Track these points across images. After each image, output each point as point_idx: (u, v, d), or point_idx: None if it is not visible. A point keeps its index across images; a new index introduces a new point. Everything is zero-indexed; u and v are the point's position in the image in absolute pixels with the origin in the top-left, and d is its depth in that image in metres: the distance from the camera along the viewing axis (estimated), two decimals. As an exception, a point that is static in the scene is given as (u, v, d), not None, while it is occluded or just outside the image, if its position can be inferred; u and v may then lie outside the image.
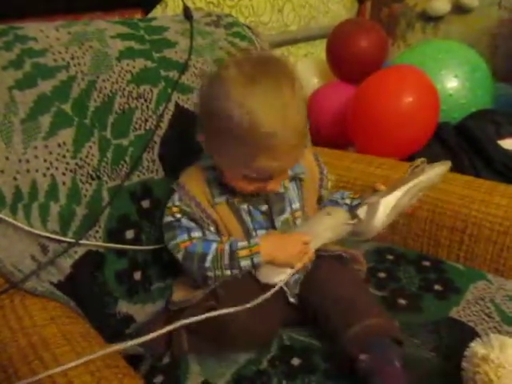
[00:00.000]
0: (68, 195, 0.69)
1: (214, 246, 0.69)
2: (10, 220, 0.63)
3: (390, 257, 0.90)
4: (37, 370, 0.50)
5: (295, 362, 0.66)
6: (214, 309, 0.67)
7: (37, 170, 0.66)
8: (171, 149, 0.82)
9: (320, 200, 0.83)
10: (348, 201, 0.82)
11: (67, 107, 0.70)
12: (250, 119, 0.61)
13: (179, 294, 0.74)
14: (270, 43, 1.48)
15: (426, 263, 0.87)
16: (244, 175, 0.67)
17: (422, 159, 0.79)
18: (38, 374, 0.49)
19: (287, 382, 0.62)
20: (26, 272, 0.64)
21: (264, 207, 0.73)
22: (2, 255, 0.61)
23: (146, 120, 0.79)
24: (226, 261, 0.68)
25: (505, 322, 0.71)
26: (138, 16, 1.10)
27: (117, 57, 0.77)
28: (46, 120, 0.68)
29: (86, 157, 0.71)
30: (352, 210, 0.77)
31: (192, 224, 0.71)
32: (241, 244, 0.69)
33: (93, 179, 0.72)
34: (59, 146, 0.69)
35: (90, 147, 0.72)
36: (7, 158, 0.64)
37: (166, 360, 0.70)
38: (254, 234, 0.73)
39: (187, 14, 0.93)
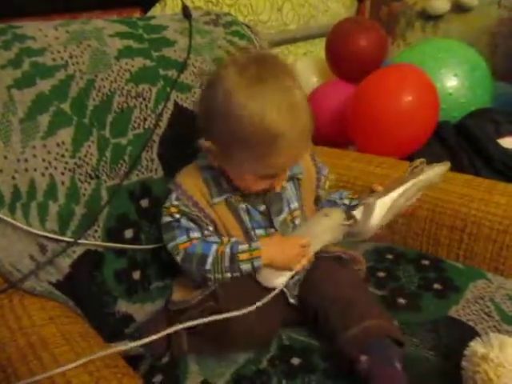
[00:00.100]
0: (67, 194, 0.69)
1: (214, 247, 0.69)
2: (9, 219, 0.63)
3: (390, 256, 0.90)
4: (35, 369, 0.50)
5: (295, 361, 0.65)
6: (214, 310, 0.67)
7: (35, 170, 0.66)
8: (170, 148, 0.82)
9: (317, 200, 0.83)
10: (346, 201, 0.82)
11: (66, 106, 0.70)
12: (261, 120, 0.61)
13: (179, 294, 0.74)
14: (269, 42, 1.47)
15: (426, 262, 0.87)
16: (253, 174, 0.67)
17: (422, 160, 0.78)
18: (37, 373, 0.49)
19: (287, 382, 0.62)
20: (25, 272, 0.64)
21: (262, 207, 0.73)
22: (1, 255, 0.61)
23: (145, 119, 0.79)
24: (227, 263, 0.68)
25: (504, 321, 0.70)
26: (137, 15, 1.10)
27: (115, 56, 0.77)
28: (44, 119, 0.68)
29: (85, 156, 0.71)
30: (349, 210, 0.77)
31: (191, 224, 0.71)
32: (242, 247, 0.69)
33: (92, 178, 0.72)
34: (58, 145, 0.69)
35: (89, 146, 0.72)
36: (6, 158, 0.64)
37: (165, 359, 0.70)
38: (252, 233, 0.73)
39: (186, 12, 0.93)
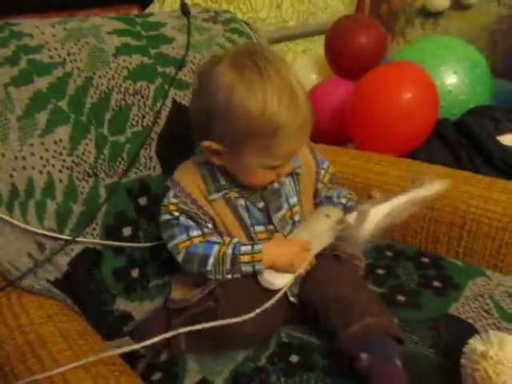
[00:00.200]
0: (64, 192, 0.69)
1: (215, 248, 0.69)
2: (7, 218, 0.63)
3: (389, 253, 0.90)
4: (33, 368, 0.50)
5: (294, 359, 0.65)
6: (214, 310, 0.67)
7: (33, 168, 0.66)
8: (169, 145, 0.82)
9: (316, 194, 0.83)
10: (344, 200, 0.82)
11: (63, 104, 0.70)
12: (263, 112, 0.61)
13: (178, 292, 0.74)
14: (269, 39, 1.47)
15: (425, 260, 0.87)
16: (260, 167, 0.67)
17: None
18: (35, 372, 0.49)
19: (286, 379, 0.62)
20: (23, 270, 0.64)
21: (260, 204, 0.73)
22: (-1, 253, 0.61)
23: (143, 116, 0.79)
24: (228, 265, 0.68)
25: (504, 319, 0.70)
26: (135, 12, 1.09)
27: (113, 53, 0.77)
28: (42, 117, 0.67)
29: (83, 154, 0.71)
30: (344, 211, 0.78)
31: (190, 222, 0.70)
32: (244, 249, 0.69)
33: (89, 176, 0.72)
34: (55, 143, 0.68)
35: (87, 144, 0.72)
36: (3, 156, 0.64)
37: (163, 357, 0.70)
38: (252, 229, 0.72)
39: (184, 9, 0.93)
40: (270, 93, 0.61)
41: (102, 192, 0.73)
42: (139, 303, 0.77)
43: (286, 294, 0.71)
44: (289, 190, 0.76)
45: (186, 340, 0.69)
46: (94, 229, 0.72)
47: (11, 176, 0.64)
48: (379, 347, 0.60)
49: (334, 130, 1.49)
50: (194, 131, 0.70)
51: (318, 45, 2.01)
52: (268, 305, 0.63)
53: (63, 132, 0.69)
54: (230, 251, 0.68)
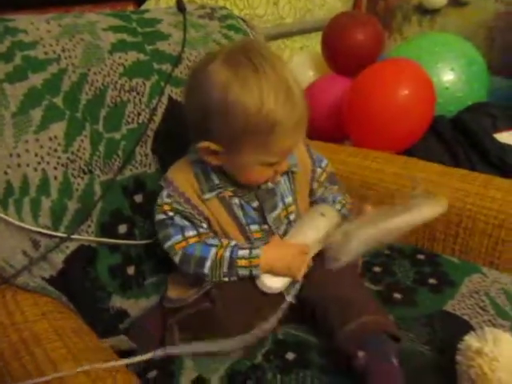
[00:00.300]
0: (60, 190, 0.68)
1: (213, 251, 0.68)
2: (1, 215, 0.63)
3: (386, 251, 0.90)
4: (28, 365, 0.50)
5: (290, 356, 0.65)
6: (209, 311, 0.67)
7: (28, 165, 0.66)
8: (165, 142, 0.82)
9: (311, 193, 0.82)
10: (338, 206, 0.81)
11: (58, 100, 0.70)
12: (259, 109, 0.61)
13: (174, 291, 0.74)
14: (265, 36, 1.47)
15: (421, 257, 0.87)
16: (257, 165, 0.66)
17: (422, 188, 0.75)
18: (29, 369, 0.49)
19: (282, 377, 0.62)
20: (18, 267, 0.64)
21: (255, 203, 0.72)
22: (-7, 250, 0.61)
23: (139, 113, 0.79)
24: (225, 269, 0.68)
25: (499, 316, 0.70)
26: (131, 8, 1.09)
27: (109, 49, 0.77)
28: (37, 113, 0.67)
29: (78, 151, 0.71)
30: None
31: (185, 222, 0.70)
32: (241, 253, 0.68)
33: (85, 173, 0.71)
34: (50, 139, 0.68)
35: (82, 141, 0.71)
36: (-3, 153, 0.63)
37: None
38: (247, 228, 0.72)
39: (180, 6, 0.92)
40: (266, 89, 0.61)
41: (98, 189, 0.73)
42: (135, 301, 0.77)
43: (283, 294, 0.71)
44: (284, 189, 0.75)
45: (181, 340, 0.69)
46: (90, 226, 0.72)
47: (6, 173, 0.64)
48: (376, 345, 0.60)
49: (330, 126, 1.49)
50: (190, 130, 0.69)
51: (314, 42, 2.00)
52: (276, 317, 0.63)
53: (58, 129, 0.69)
54: (227, 255, 0.68)
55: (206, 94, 0.63)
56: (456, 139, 1.31)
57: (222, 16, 0.98)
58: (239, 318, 0.66)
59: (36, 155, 0.67)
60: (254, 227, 0.72)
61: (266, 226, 0.73)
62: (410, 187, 0.91)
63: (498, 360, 0.53)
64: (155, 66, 0.82)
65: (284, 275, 0.69)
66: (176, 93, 0.84)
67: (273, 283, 0.69)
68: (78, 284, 0.70)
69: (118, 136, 0.76)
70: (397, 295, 0.77)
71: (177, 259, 0.69)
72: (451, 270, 0.82)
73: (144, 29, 0.84)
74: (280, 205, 0.74)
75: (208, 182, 0.70)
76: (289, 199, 0.76)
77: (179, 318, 0.71)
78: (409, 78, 1.28)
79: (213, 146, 0.66)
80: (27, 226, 0.65)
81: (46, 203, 0.67)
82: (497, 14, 1.85)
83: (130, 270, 0.77)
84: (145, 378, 0.65)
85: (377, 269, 0.84)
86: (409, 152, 1.29)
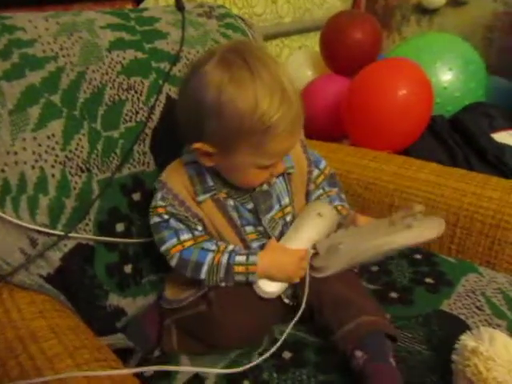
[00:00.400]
0: (57, 188, 0.68)
1: (209, 256, 0.68)
2: (-2, 213, 0.63)
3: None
4: (24, 363, 0.50)
5: (286, 355, 0.65)
6: (206, 313, 0.67)
7: (25, 163, 0.66)
8: (163, 141, 0.81)
9: (308, 195, 0.80)
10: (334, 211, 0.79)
11: (56, 98, 0.70)
12: (254, 111, 0.60)
13: (171, 292, 0.73)
14: (264, 35, 1.47)
15: (418, 256, 0.87)
16: (253, 167, 0.65)
17: (421, 207, 0.70)
18: (26, 367, 0.49)
19: (278, 375, 0.62)
20: (15, 265, 0.64)
21: (250, 205, 0.72)
22: (-10, 248, 0.61)
23: (137, 112, 0.79)
24: (222, 274, 0.67)
25: (495, 315, 0.71)
26: (129, 6, 1.09)
27: (107, 48, 0.77)
28: (34, 111, 0.67)
29: (76, 149, 0.71)
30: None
31: (180, 225, 0.69)
32: (238, 259, 0.67)
33: (82, 171, 0.71)
34: (48, 137, 0.68)
35: (80, 139, 0.71)
36: (-5, 150, 0.63)
37: (156, 353, 0.70)
38: (242, 230, 0.71)
39: (179, 4, 0.92)
40: (261, 91, 0.60)
41: (95, 187, 0.73)
42: (132, 299, 0.77)
43: (280, 295, 0.71)
44: (280, 191, 0.74)
45: (178, 340, 0.69)
46: (87, 224, 0.72)
47: (3, 171, 0.64)
48: (374, 345, 0.60)
49: (329, 126, 1.49)
50: (183, 132, 0.68)
51: (313, 41, 2.00)
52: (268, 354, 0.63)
53: (56, 127, 0.69)
54: (224, 261, 0.67)
55: (200, 94, 0.62)
56: (454, 139, 1.32)
57: (220, 15, 0.98)
58: (236, 321, 0.66)
59: (33, 153, 0.66)
60: (249, 229, 0.72)
61: (261, 228, 0.72)
62: (408, 189, 0.92)
63: (493, 359, 0.54)
64: (153, 64, 0.82)
65: (281, 281, 0.69)
66: (174, 91, 0.84)
67: (270, 288, 0.69)
68: (75, 282, 0.70)
69: (116, 134, 0.76)
70: (393, 294, 0.77)
71: (173, 263, 0.69)
72: (448, 270, 0.82)
73: (142, 27, 0.84)
74: (276, 206, 0.74)
75: (202, 184, 0.70)
76: (285, 200, 0.75)
77: (176, 318, 0.71)
78: (407, 77, 1.28)
79: (206, 148, 0.64)
80: (24, 224, 0.64)
81: (43, 201, 0.67)
82: (495, 14, 1.85)
83: (128, 269, 0.77)
84: (141, 376, 0.65)
85: (374, 268, 0.84)
86: (407, 151, 1.29)
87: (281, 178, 0.75)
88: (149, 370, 0.59)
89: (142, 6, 1.14)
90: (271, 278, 0.68)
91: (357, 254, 0.69)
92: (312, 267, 0.70)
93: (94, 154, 0.73)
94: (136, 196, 0.78)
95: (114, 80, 0.76)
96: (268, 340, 0.69)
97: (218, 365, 0.65)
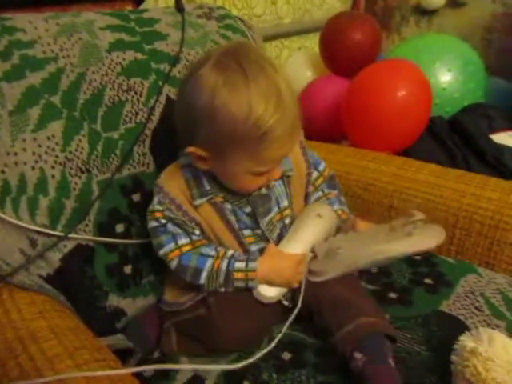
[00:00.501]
0: (57, 188, 0.68)
1: (209, 262, 0.67)
2: (-2, 213, 0.63)
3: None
4: (24, 363, 0.50)
5: (286, 356, 0.65)
6: (205, 318, 0.67)
7: (25, 163, 0.66)
8: (163, 142, 0.82)
9: (307, 197, 0.80)
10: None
11: (56, 99, 0.70)
12: (248, 116, 0.58)
13: (170, 294, 0.73)
14: (264, 36, 1.47)
15: (417, 257, 0.87)
16: (248, 173, 0.64)
17: (422, 215, 0.70)
18: (26, 367, 0.49)
19: (277, 376, 0.62)
20: (15, 266, 0.64)
21: (247, 209, 0.71)
22: (-10, 249, 0.61)
23: (137, 113, 0.79)
24: (221, 281, 0.67)
25: (494, 316, 0.71)
26: (129, 8, 1.09)
27: (107, 49, 0.77)
28: (34, 112, 0.67)
29: (76, 150, 0.71)
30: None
31: (178, 230, 0.69)
32: (238, 265, 0.67)
33: (82, 172, 0.71)
34: (48, 138, 0.68)
35: (80, 140, 0.71)
36: (-5, 151, 0.63)
37: (156, 354, 0.70)
38: (240, 233, 0.71)
39: (179, 6, 0.93)
40: (255, 96, 0.58)
41: (95, 188, 0.73)
42: (132, 300, 0.77)
43: (280, 300, 0.71)
44: (279, 193, 0.74)
45: (177, 342, 0.69)
46: (87, 225, 0.72)
47: (3, 172, 0.64)
48: (373, 347, 0.60)
49: (328, 127, 1.49)
50: (178, 135, 0.67)
51: (313, 42, 2.01)
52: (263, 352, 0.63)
53: (56, 128, 0.69)
54: (224, 267, 0.67)
55: (195, 97, 0.61)
56: (453, 140, 1.32)
57: (219, 16, 0.98)
58: (236, 325, 0.66)
59: (33, 154, 0.66)
60: (246, 232, 0.71)
61: (258, 231, 0.72)
62: (407, 190, 0.92)
63: (492, 360, 0.54)
64: (153, 65, 0.82)
65: (280, 285, 0.69)
66: (174, 92, 0.84)
67: (269, 293, 0.68)
68: (75, 282, 0.70)
69: (115, 135, 0.76)
70: (392, 295, 0.77)
71: (172, 267, 0.69)
72: (447, 270, 0.82)
73: (142, 28, 0.84)
74: (275, 209, 0.73)
75: (199, 188, 0.69)
76: (284, 203, 0.74)
77: (176, 321, 0.71)
78: (406, 78, 1.28)
79: (199, 152, 0.64)
80: (24, 225, 0.65)
81: (43, 202, 0.67)
82: (494, 14, 1.86)
83: (127, 269, 0.77)
84: (141, 376, 0.65)
85: (373, 269, 0.84)
86: (406, 152, 1.30)
87: (280, 180, 0.74)
88: (148, 369, 0.59)
89: (141, 7, 1.14)
90: (270, 283, 0.68)
91: (355, 260, 0.68)
92: (310, 271, 0.70)
93: (93, 154, 0.73)
94: (136, 197, 0.78)
95: (114, 81, 0.76)
96: (267, 341, 0.69)
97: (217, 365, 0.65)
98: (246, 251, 0.71)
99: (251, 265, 0.67)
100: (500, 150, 1.24)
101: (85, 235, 0.71)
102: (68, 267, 0.69)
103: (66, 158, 0.70)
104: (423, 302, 0.75)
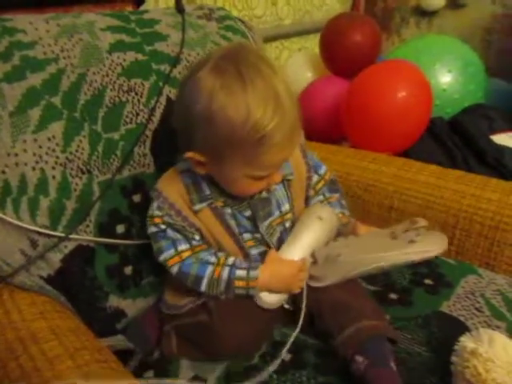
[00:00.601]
0: (58, 189, 0.68)
1: (209, 269, 0.67)
2: (-1, 214, 0.63)
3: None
4: (24, 364, 0.50)
5: (286, 357, 0.65)
6: (206, 322, 0.67)
7: (26, 164, 0.66)
8: (163, 143, 0.82)
9: (307, 201, 0.79)
10: None
11: (57, 100, 0.70)
12: (246, 120, 0.57)
13: (170, 296, 0.73)
14: (264, 37, 1.47)
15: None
16: (247, 177, 0.63)
17: (425, 222, 0.70)
18: (26, 368, 0.49)
19: (278, 377, 0.62)
20: (16, 266, 0.64)
21: (247, 212, 0.70)
22: (-9, 249, 0.61)
23: (138, 114, 0.79)
24: (222, 288, 0.66)
25: (495, 317, 0.71)
26: (130, 9, 1.09)
27: (107, 50, 0.77)
28: (35, 113, 0.67)
29: (76, 151, 0.71)
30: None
31: (178, 235, 0.68)
32: (239, 273, 0.66)
33: (83, 173, 0.71)
34: (49, 139, 0.68)
35: (80, 141, 0.71)
36: (-5, 152, 0.63)
37: (156, 355, 0.70)
38: (240, 238, 0.70)
39: (179, 6, 0.93)
40: (253, 100, 0.57)
41: (96, 189, 0.73)
42: (132, 300, 0.77)
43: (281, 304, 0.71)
44: (280, 197, 0.73)
45: (177, 345, 0.69)
46: (88, 226, 0.72)
47: (3, 172, 0.64)
48: (374, 350, 0.60)
49: (328, 128, 1.49)
50: (177, 139, 0.67)
51: (313, 43, 2.01)
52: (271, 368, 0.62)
53: (56, 128, 0.69)
54: (225, 276, 0.66)
55: (192, 100, 0.60)
56: (453, 141, 1.32)
57: (220, 17, 0.98)
58: (237, 331, 0.66)
59: (34, 155, 0.66)
60: (246, 236, 0.70)
61: (258, 235, 0.71)
62: (407, 191, 0.92)
63: (492, 360, 0.54)
64: (154, 66, 0.82)
65: (281, 292, 0.69)
66: (174, 93, 0.84)
67: (271, 299, 0.68)
68: (75, 283, 0.70)
69: (116, 136, 0.76)
70: (393, 295, 0.77)
71: (172, 273, 0.68)
72: (447, 271, 0.82)
73: (143, 29, 0.84)
74: (276, 212, 0.72)
75: (198, 193, 0.68)
76: (286, 207, 0.73)
77: (176, 325, 0.70)
78: (406, 79, 1.28)
79: (197, 157, 0.63)
80: (25, 225, 0.65)
81: (44, 202, 0.67)
82: (494, 16, 1.86)
83: (128, 270, 0.77)
84: (141, 377, 0.65)
85: (373, 270, 0.84)
86: (406, 153, 1.30)
87: (280, 184, 0.73)
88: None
89: (142, 8, 1.15)
90: (271, 291, 0.68)
91: (354, 266, 0.68)
92: (310, 276, 0.69)
93: (94, 155, 0.73)
94: (136, 197, 0.78)
95: (115, 82, 0.76)
96: (267, 342, 0.69)
97: (217, 366, 0.65)
98: (246, 255, 0.71)
99: (252, 273, 0.66)
100: (500, 150, 1.24)
101: (85, 236, 0.71)
102: (68, 268, 0.69)
103: (67, 158, 0.70)
104: (423, 303, 0.75)
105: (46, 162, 0.68)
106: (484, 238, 0.86)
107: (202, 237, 0.69)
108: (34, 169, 0.66)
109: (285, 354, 0.64)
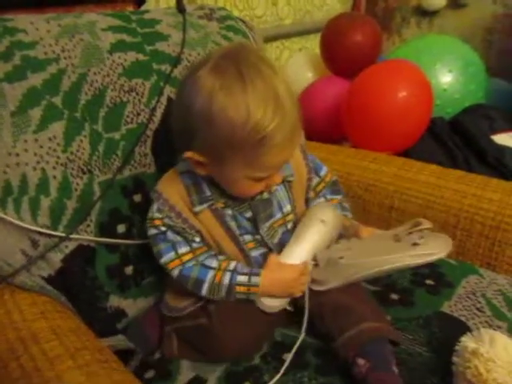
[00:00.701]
0: (59, 189, 0.68)
1: (210, 274, 0.66)
2: (0, 214, 0.63)
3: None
4: (25, 364, 0.50)
5: (287, 357, 0.65)
6: (206, 326, 0.67)
7: (27, 164, 0.66)
8: (164, 143, 0.82)
9: (307, 202, 0.78)
10: None
11: (58, 100, 0.70)
12: (246, 121, 0.56)
13: (171, 298, 0.73)
14: (264, 37, 1.47)
15: (418, 258, 0.87)
16: (247, 178, 0.63)
17: (429, 224, 0.68)
18: (27, 368, 0.49)
19: (279, 377, 0.62)
20: (16, 266, 0.64)
21: (248, 214, 0.70)
22: (-8, 249, 0.61)
23: (138, 114, 0.79)
24: (223, 293, 0.66)
25: (496, 317, 0.71)
26: (130, 9, 1.09)
27: (108, 50, 0.77)
28: (36, 113, 0.67)
29: (77, 151, 0.71)
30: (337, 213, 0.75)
31: (178, 237, 0.67)
32: (240, 279, 0.66)
33: (84, 173, 0.71)
34: (50, 139, 0.68)
35: (81, 141, 0.71)
36: (-4, 152, 0.63)
37: (157, 355, 0.70)
38: (241, 239, 0.69)
39: (180, 6, 0.93)
40: (253, 100, 0.56)
41: (97, 189, 0.73)
42: (133, 300, 0.77)
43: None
44: (282, 198, 0.72)
45: (178, 346, 0.69)
46: (88, 225, 0.72)
47: (5, 172, 0.64)
48: (376, 353, 0.60)
49: (329, 128, 1.49)
50: (175, 138, 0.66)
51: (314, 43, 2.01)
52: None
53: (57, 128, 0.69)
54: (226, 281, 0.66)
55: (192, 100, 0.59)
56: (454, 141, 1.32)
57: (220, 17, 0.98)
58: (237, 335, 0.66)
59: (35, 155, 0.66)
60: (247, 237, 0.70)
61: (258, 236, 0.71)
62: (408, 191, 0.92)
63: (493, 361, 0.54)
64: (154, 66, 0.82)
65: (283, 296, 0.68)
66: (175, 93, 0.84)
67: (272, 303, 0.68)
68: (76, 283, 0.70)
69: (117, 136, 0.76)
70: (394, 296, 0.77)
71: (173, 276, 0.68)
72: (448, 271, 0.82)
73: (143, 29, 0.84)
74: (278, 214, 0.72)
75: (199, 194, 0.67)
76: (287, 208, 0.73)
77: (176, 327, 0.70)
78: (407, 79, 1.28)
79: (197, 157, 0.62)
80: (26, 225, 0.65)
81: (45, 202, 0.67)
82: (495, 16, 1.86)
83: (129, 270, 0.77)
84: (142, 377, 0.65)
85: (374, 270, 0.84)
86: (407, 153, 1.30)
87: (281, 185, 0.72)
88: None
89: (142, 8, 1.15)
90: (273, 295, 0.68)
91: (356, 270, 0.67)
92: (312, 279, 0.69)
93: (95, 155, 0.73)
94: (137, 197, 0.78)
95: (116, 82, 0.76)
96: (268, 343, 0.69)
97: (218, 367, 0.65)
98: (246, 257, 0.70)
99: (254, 279, 0.66)
100: (501, 150, 1.24)
101: (86, 236, 0.71)
102: (69, 268, 0.69)
103: (68, 158, 0.70)
104: (424, 303, 0.75)
105: (47, 162, 0.68)
106: (485, 238, 0.86)
107: (202, 239, 0.68)
108: (34, 169, 0.66)
109: (289, 359, 0.64)
